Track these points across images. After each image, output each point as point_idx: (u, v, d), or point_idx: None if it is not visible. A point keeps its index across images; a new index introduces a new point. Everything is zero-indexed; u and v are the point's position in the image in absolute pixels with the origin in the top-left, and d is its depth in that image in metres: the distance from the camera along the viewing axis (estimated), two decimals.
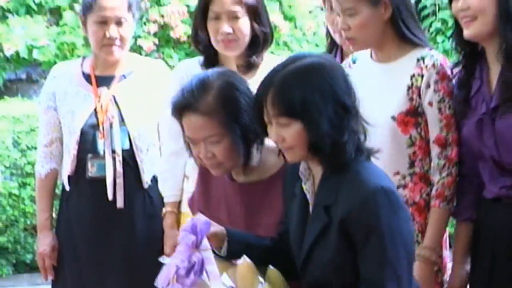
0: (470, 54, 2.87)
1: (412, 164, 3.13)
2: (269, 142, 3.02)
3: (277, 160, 3.00)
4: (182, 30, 8.40)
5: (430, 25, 8.35)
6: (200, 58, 3.81)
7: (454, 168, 3.05)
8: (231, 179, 3.14)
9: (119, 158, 4.05)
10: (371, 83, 3.16)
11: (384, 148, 2.99)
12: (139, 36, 7.99)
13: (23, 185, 7.25)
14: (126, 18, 3.92)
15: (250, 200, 3.13)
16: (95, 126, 4.04)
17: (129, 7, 3.96)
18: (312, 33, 8.94)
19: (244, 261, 2.79)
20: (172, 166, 4.01)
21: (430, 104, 3.04)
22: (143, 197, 4.30)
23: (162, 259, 3.12)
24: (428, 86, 3.02)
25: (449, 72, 3.06)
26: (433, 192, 3.09)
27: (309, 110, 2.68)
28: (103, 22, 3.94)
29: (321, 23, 9.18)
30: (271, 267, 2.79)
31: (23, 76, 9.61)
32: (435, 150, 3.07)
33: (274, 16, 8.85)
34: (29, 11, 8.04)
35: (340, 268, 2.70)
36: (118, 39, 3.96)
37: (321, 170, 2.75)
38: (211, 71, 3.11)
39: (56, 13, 8.23)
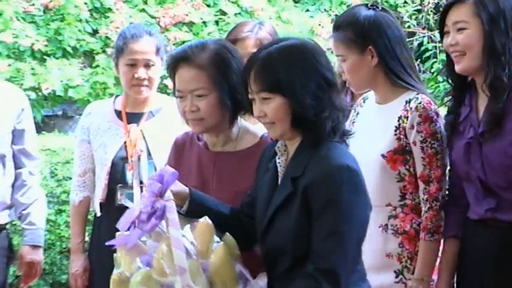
0: (460, 84, 2.84)
1: (403, 197, 3.12)
2: (248, 122, 3.05)
3: (252, 140, 3.02)
4: None
5: (432, 66, 8.32)
6: None
7: (434, 202, 3.04)
8: (206, 148, 3.09)
9: (145, 188, 3.99)
10: (369, 122, 3.23)
11: (376, 182, 3.10)
12: (166, 77, 7.93)
13: (59, 212, 7.23)
14: (154, 61, 3.95)
15: (223, 168, 3.05)
16: (125, 159, 4.06)
17: (157, 51, 3.98)
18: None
19: (205, 220, 2.73)
20: None
21: (414, 143, 3.07)
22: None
23: (125, 201, 3.11)
24: (412, 127, 3.05)
25: (432, 114, 3.06)
26: (421, 225, 3.10)
27: (291, 84, 2.62)
28: (133, 65, 3.94)
29: None
30: (227, 233, 2.75)
31: (60, 112, 9.65)
32: (421, 186, 3.08)
33: None
34: (65, 54, 8.03)
35: (298, 237, 2.64)
36: (147, 80, 3.96)
37: (297, 144, 2.67)
38: (210, 39, 3.09)
39: (89, 56, 8.21)
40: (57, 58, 7.95)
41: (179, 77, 2.99)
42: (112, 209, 4.02)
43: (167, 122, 4.22)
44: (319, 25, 8.53)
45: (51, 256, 7.19)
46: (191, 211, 2.79)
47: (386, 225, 3.07)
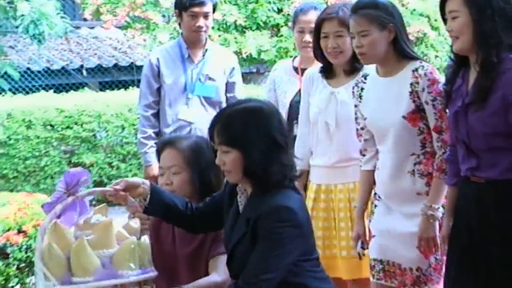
0: (459, 60, 2.78)
1: (423, 146, 3.06)
2: None
3: None
4: None
5: None
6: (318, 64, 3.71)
7: (448, 147, 2.96)
8: None
9: None
10: (380, 94, 3.14)
11: (401, 138, 3.08)
12: None
13: None
14: None
15: (189, 239, 2.86)
16: (299, 102, 4.11)
17: None
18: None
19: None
20: (302, 145, 3.72)
21: (426, 103, 3.01)
22: None
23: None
24: (423, 89, 3.01)
25: (437, 77, 3.00)
26: (435, 166, 3.03)
27: (245, 142, 2.49)
28: (302, 32, 4.10)
29: None
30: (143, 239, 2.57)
31: (254, 70, 9.92)
32: (434, 135, 3.03)
33: (424, 27, 8.62)
34: (258, 27, 8.29)
35: None
36: (311, 43, 4.09)
37: (251, 190, 2.58)
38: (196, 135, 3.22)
39: (276, 28, 8.41)
40: (253, 30, 8.24)
41: (163, 157, 2.93)
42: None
43: None
44: None
45: None
46: (152, 204, 2.62)
47: (413, 170, 3.08)
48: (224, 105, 4.44)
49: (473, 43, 2.66)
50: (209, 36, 9.10)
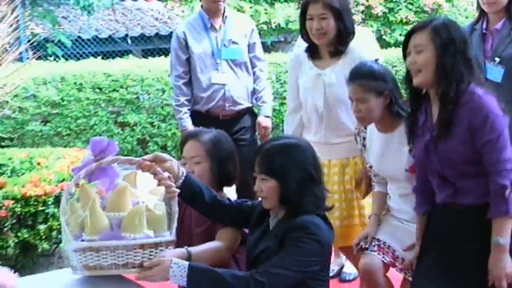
0: (415, 95, 2.73)
1: None
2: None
3: None
4: (379, 9, 8.16)
5: None
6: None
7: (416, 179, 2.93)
8: None
9: None
10: (382, 148, 3.11)
11: (408, 185, 3.03)
12: (353, 13, 7.90)
13: (281, 104, 7.47)
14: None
15: (202, 220, 2.83)
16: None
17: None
18: (464, 9, 8.45)
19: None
20: (291, 120, 3.68)
21: None
22: None
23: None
24: None
25: None
26: None
27: (283, 173, 2.53)
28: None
29: (470, 2, 8.66)
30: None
31: (282, 39, 9.79)
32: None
33: None
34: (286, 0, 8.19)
35: None
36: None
37: (283, 215, 2.61)
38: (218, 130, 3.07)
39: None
40: (281, 2, 8.13)
41: (186, 148, 2.91)
42: None
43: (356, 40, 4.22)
44: None
45: None
46: (182, 189, 2.59)
47: None
48: (248, 65, 4.57)
49: (433, 78, 2.61)
50: (241, 7, 9.09)
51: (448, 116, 2.57)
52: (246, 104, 4.55)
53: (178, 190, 2.53)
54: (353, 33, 3.40)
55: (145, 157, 2.58)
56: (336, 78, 3.31)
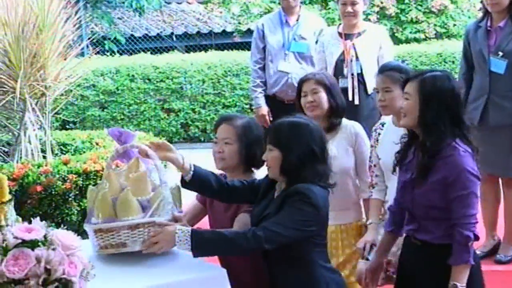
0: (411, 135, 2.56)
1: None
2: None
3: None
4: (392, 9, 8.05)
5: None
6: None
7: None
8: None
9: (355, 78, 4.05)
10: (394, 140, 2.86)
11: None
12: (369, 13, 7.81)
13: None
14: (359, 1, 3.91)
15: (228, 206, 2.71)
16: (343, 60, 4.07)
17: None
18: (467, 10, 8.29)
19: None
20: None
21: None
22: (368, 99, 4.29)
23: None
24: None
25: None
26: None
27: (286, 146, 2.44)
28: (344, 4, 3.93)
29: (473, 4, 8.48)
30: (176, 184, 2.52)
31: None
32: None
33: (445, 0, 8.35)
34: (311, 1, 8.13)
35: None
36: (353, 13, 4.00)
37: (285, 186, 2.50)
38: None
39: (324, 3, 8.23)
40: (306, 4, 8.02)
41: (219, 130, 2.78)
42: None
43: (368, 39, 4.19)
44: None
45: None
46: (192, 180, 2.49)
47: None
48: (314, 59, 4.56)
49: (416, 125, 2.47)
50: (270, 8, 8.95)
51: (424, 165, 2.43)
52: None
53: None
54: (344, 108, 3.22)
55: (152, 142, 2.52)
56: (338, 151, 3.11)
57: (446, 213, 2.45)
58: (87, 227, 2.46)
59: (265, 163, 2.52)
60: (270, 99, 4.69)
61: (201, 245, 2.32)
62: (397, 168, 2.61)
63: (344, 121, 3.25)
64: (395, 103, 2.91)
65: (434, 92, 2.42)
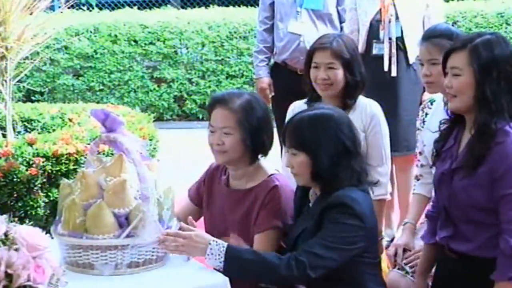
0: (454, 118, 2.56)
1: None
2: (264, 164, 2.85)
3: (261, 177, 2.79)
4: None
5: None
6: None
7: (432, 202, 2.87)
8: (227, 185, 2.87)
9: (393, 44, 4.02)
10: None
11: None
12: None
13: None
14: None
15: (236, 207, 2.81)
16: (379, 21, 4.04)
17: None
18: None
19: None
20: None
21: None
22: (409, 70, 4.28)
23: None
24: None
25: None
26: None
27: (313, 146, 2.49)
28: None
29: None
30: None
31: None
32: None
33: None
34: None
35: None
36: None
37: (320, 192, 2.58)
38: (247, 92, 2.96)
39: None
40: None
41: (214, 115, 2.78)
42: (368, 59, 4.06)
43: None
44: None
45: None
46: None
47: None
48: (334, 17, 4.54)
49: (471, 105, 2.43)
50: None
51: (479, 152, 2.39)
52: None
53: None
54: (363, 85, 3.23)
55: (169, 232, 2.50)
56: None
57: (491, 216, 2.42)
58: (54, 233, 2.50)
59: (290, 171, 2.57)
60: (280, 68, 4.60)
61: (234, 263, 2.42)
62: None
63: (361, 98, 3.25)
64: (441, 80, 2.86)
65: (492, 60, 2.38)
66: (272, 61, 4.76)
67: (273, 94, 4.65)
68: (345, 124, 2.53)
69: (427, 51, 2.94)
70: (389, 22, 4.17)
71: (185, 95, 8.16)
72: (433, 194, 2.87)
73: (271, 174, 2.78)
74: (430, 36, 2.98)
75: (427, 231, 2.71)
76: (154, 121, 4.81)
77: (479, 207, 2.43)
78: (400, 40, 4.19)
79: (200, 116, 8.13)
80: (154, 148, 4.44)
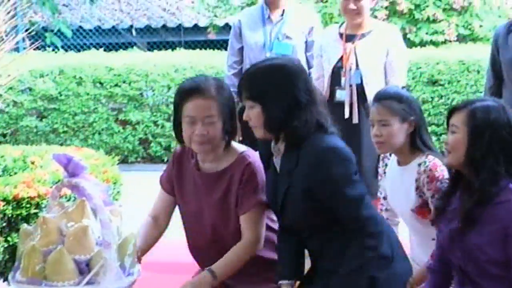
0: (455, 177, 2.64)
1: None
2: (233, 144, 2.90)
3: (231, 157, 2.80)
4: (404, 5, 8.16)
5: None
6: None
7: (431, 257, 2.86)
8: (197, 169, 2.84)
9: (354, 91, 4.09)
10: (395, 183, 3.10)
11: (416, 227, 3.05)
12: (376, 9, 7.90)
13: None
14: None
15: (211, 190, 2.80)
16: (341, 68, 4.12)
17: None
18: (497, 7, 8.41)
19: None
20: None
21: (427, 198, 2.95)
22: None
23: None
24: (423, 185, 2.95)
25: (436, 174, 2.91)
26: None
27: (266, 97, 2.53)
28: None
29: (504, 0, 8.61)
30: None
31: None
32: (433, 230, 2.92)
33: None
34: None
35: (307, 215, 2.59)
36: (356, 9, 4.06)
37: (284, 148, 2.63)
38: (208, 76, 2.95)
39: None
40: None
41: (193, 105, 2.71)
42: (332, 105, 4.16)
43: (374, 41, 4.23)
44: None
45: None
46: None
47: None
48: (302, 63, 4.56)
49: (464, 163, 2.53)
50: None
51: (470, 211, 2.47)
52: None
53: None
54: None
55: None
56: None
57: (509, 269, 2.44)
58: (12, 280, 2.47)
59: (249, 123, 2.59)
60: None
61: None
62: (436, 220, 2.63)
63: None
64: (395, 139, 2.95)
65: (487, 124, 2.48)
66: (241, 105, 4.86)
67: (241, 138, 4.70)
68: (300, 76, 2.55)
69: (377, 113, 2.99)
70: (350, 69, 4.26)
71: (150, 138, 8.11)
72: (427, 244, 2.93)
73: (242, 152, 2.79)
74: (381, 98, 3.02)
75: (431, 285, 2.70)
76: (118, 163, 4.78)
77: (495, 262, 2.46)
78: (360, 87, 4.27)
79: (165, 159, 8.08)
80: (118, 192, 4.40)
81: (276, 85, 2.52)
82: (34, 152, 4.80)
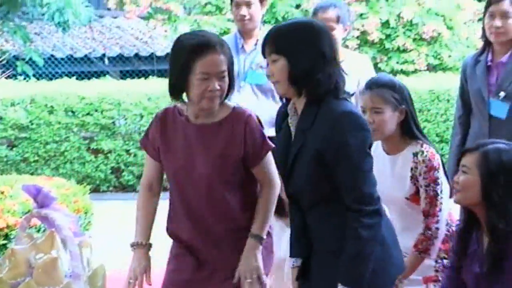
0: (468, 218, 2.66)
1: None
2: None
3: (225, 111, 2.80)
4: (375, 35, 8.27)
5: None
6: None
7: (427, 231, 2.95)
8: (188, 121, 2.84)
9: None
10: (386, 171, 3.06)
11: (407, 214, 3.05)
12: (347, 39, 7.99)
13: None
14: (335, 27, 4.00)
15: (206, 138, 2.80)
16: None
17: (337, 19, 4.00)
18: (465, 38, 8.54)
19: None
20: None
21: (421, 186, 3.01)
22: None
23: None
24: (420, 174, 2.99)
25: (434, 164, 2.97)
26: (415, 241, 2.99)
27: (291, 50, 2.53)
28: None
29: (473, 31, 8.74)
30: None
31: None
32: (423, 217, 3.02)
33: (439, 26, 8.57)
34: (277, 22, 8.40)
35: (313, 181, 2.53)
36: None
37: (303, 105, 2.60)
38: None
39: None
40: (271, 25, 8.17)
41: (210, 61, 2.71)
42: None
43: (348, 70, 4.28)
44: None
45: None
46: None
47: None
48: (275, 92, 4.60)
49: (476, 203, 2.57)
50: (227, 29, 9.02)
51: (496, 252, 2.49)
52: (267, 132, 4.68)
53: None
54: None
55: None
56: None
57: None
58: None
59: (270, 79, 2.57)
60: None
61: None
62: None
63: None
64: (386, 127, 2.98)
65: (499, 166, 2.52)
66: None
67: None
68: (325, 33, 2.57)
69: (370, 100, 3.00)
70: None
71: (123, 166, 8.09)
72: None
73: (234, 106, 2.82)
74: (374, 85, 3.04)
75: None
76: (90, 193, 4.75)
77: None
78: None
79: (137, 188, 8.04)
80: (89, 222, 4.37)
81: (302, 37, 2.53)
82: (4, 182, 4.78)
